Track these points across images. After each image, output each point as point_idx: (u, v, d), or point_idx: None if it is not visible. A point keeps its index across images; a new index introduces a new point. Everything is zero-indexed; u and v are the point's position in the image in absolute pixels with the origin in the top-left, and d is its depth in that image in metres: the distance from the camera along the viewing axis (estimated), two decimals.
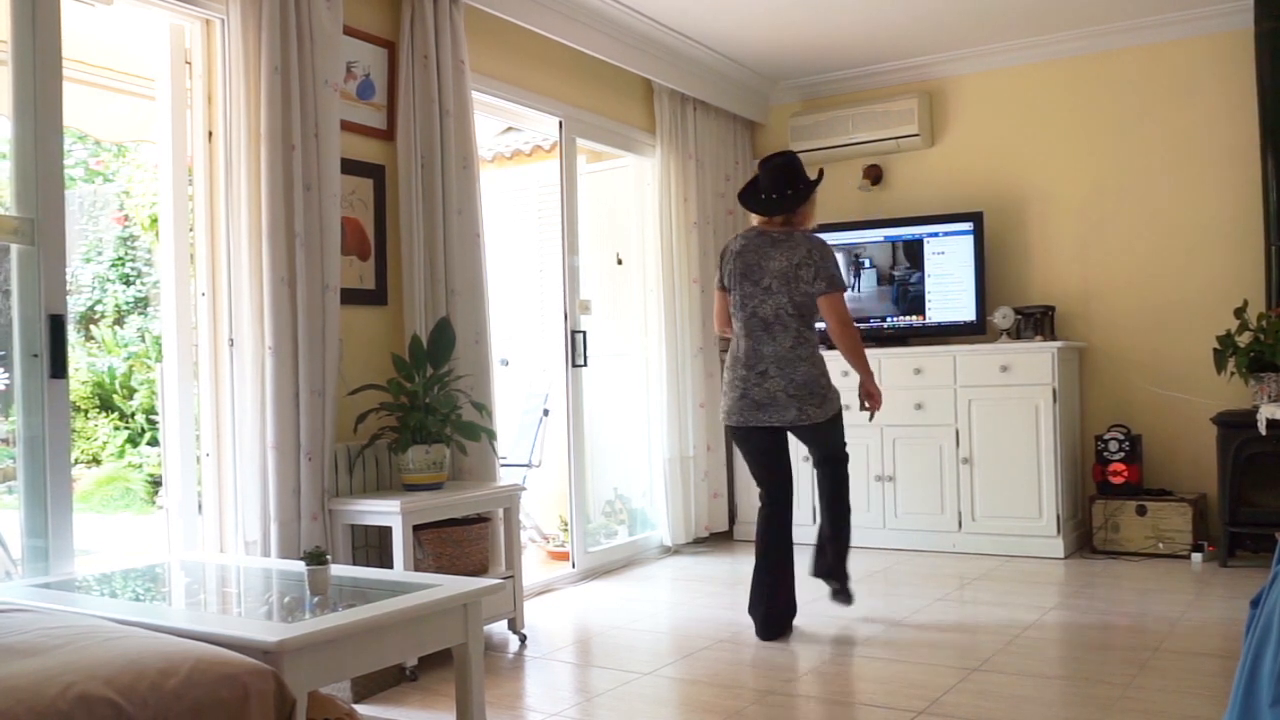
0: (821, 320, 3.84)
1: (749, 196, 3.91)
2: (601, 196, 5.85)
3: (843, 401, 3.97)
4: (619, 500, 5.71)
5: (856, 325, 3.93)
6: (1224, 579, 4.56)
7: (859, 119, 5.84)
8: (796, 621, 3.96)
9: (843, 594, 4.02)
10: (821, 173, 4.00)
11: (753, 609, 3.85)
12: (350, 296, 3.76)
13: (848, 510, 4.01)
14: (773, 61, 5.83)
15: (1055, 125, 5.58)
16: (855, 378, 3.99)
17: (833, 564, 4.01)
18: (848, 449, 4.02)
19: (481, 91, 4.38)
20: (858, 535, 5.42)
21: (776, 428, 3.82)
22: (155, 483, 6.89)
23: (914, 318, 5.58)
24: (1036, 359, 5.11)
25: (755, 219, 3.91)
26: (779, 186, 3.82)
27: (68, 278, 3.05)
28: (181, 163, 3.50)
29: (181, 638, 2.06)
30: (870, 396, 3.94)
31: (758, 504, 3.94)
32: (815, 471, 4.04)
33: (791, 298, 3.73)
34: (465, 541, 3.67)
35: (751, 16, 5.11)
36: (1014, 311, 5.32)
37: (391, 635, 2.42)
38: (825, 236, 5.73)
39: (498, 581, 2.85)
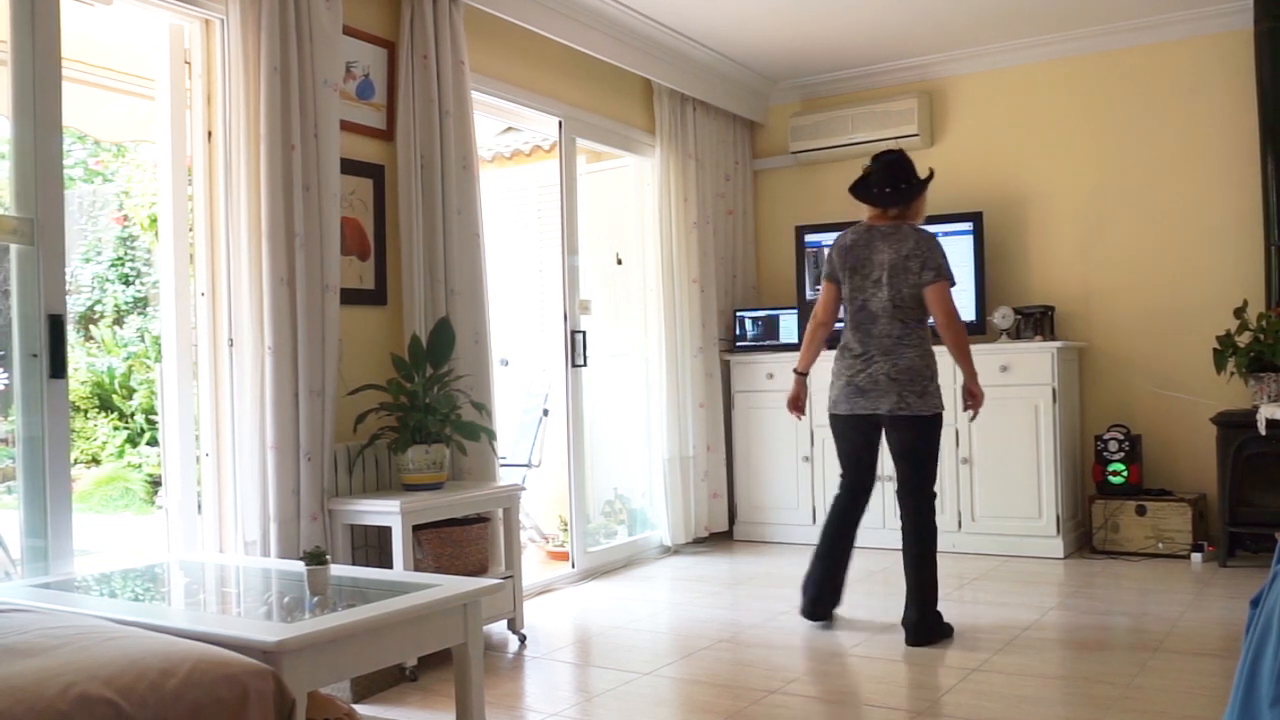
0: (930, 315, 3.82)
1: (862, 190, 3.89)
2: (601, 196, 5.85)
3: (945, 403, 3.82)
4: (619, 500, 5.71)
5: (963, 320, 3.85)
6: (1224, 579, 4.56)
7: (859, 119, 5.84)
8: (799, 622, 3.97)
9: (923, 640, 3.69)
10: (931, 172, 3.98)
11: (805, 588, 3.94)
12: (350, 296, 3.75)
13: (932, 560, 3.76)
14: (773, 61, 5.82)
15: (1055, 125, 5.57)
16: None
17: (917, 620, 3.70)
18: (936, 489, 3.80)
19: (481, 91, 4.38)
20: (858, 536, 5.43)
21: (874, 423, 3.79)
22: (155, 483, 6.89)
23: None
24: (1036, 359, 5.11)
25: (866, 214, 3.91)
26: (893, 180, 3.83)
27: (67, 278, 3.05)
28: (181, 163, 3.50)
29: (181, 638, 2.05)
30: (973, 396, 3.85)
31: (832, 494, 4.02)
32: (900, 513, 3.82)
33: (900, 290, 3.74)
34: (465, 541, 3.67)
35: (751, 16, 5.11)
36: (1014, 311, 5.31)
37: (391, 635, 2.42)
38: (824, 236, 5.77)
39: (497, 581, 2.85)
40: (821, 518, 5.53)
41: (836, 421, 3.90)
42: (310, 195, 3.47)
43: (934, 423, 3.77)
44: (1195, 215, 5.27)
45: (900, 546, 3.82)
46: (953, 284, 3.78)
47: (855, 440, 3.86)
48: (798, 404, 4.03)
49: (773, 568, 5.08)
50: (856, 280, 3.81)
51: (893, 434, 3.79)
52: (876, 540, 5.43)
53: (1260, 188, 4.97)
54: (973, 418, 3.97)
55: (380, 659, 2.44)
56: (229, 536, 3.43)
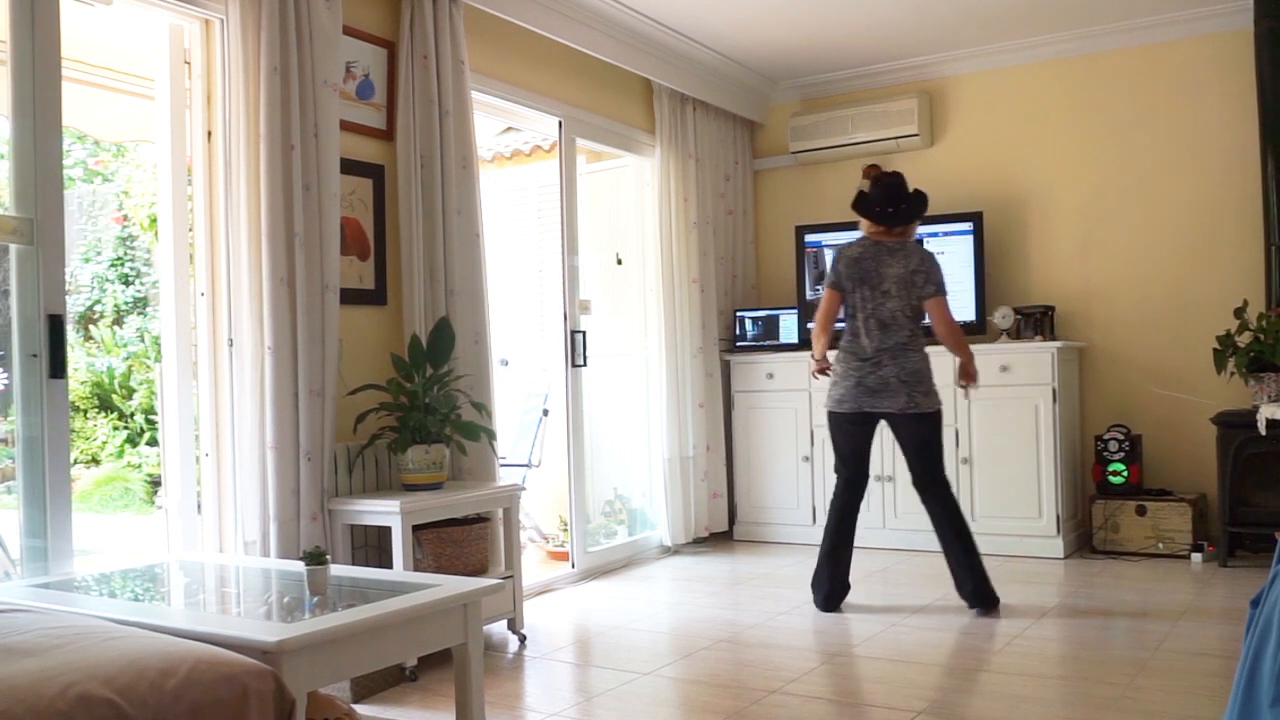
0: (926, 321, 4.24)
1: (865, 208, 4.20)
2: (601, 196, 5.85)
3: (941, 386, 4.22)
4: (619, 500, 5.71)
5: (958, 323, 4.29)
6: (1224, 579, 4.56)
7: (859, 119, 5.84)
8: (800, 622, 3.99)
9: (992, 604, 4.14)
10: (926, 195, 4.25)
11: (816, 584, 4.22)
12: (350, 296, 3.75)
13: (969, 531, 4.16)
14: (773, 61, 5.82)
15: (1055, 125, 5.58)
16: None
17: (977, 586, 4.12)
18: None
19: (481, 91, 4.38)
20: (858, 535, 5.44)
21: (875, 419, 4.14)
22: (154, 483, 6.89)
23: None
24: (1036, 359, 5.11)
25: (865, 228, 4.22)
26: (895, 201, 4.16)
27: (67, 278, 3.05)
28: (181, 163, 3.50)
29: (181, 638, 2.05)
30: (969, 375, 4.24)
31: (830, 495, 4.30)
32: (925, 503, 4.19)
33: (909, 301, 4.11)
34: (465, 541, 3.67)
35: (751, 16, 5.11)
36: (1014, 311, 5.31)
37: (391, 635, 2.42)
38: (824, 236, 5.78)
39: (497, 581, 2.85)
40: (822, 518, 5.58)
41: (840, 419, 4.21)
42: (310, 195, 3.47)
43: (938, 418, 4.19)
44: (1195, 215, 5.27)
45: (934, 531, 4.18)
46: (948, 294, 4.18)
47: (858, 435, 4.20)
48: (824, 368, 4.30)
49: (773, 568, 5.08)
50: (865, 291, 4.14)
51: (904, 431, 4.14)
52: (877, 540, 5.43)
53: (1260, 188, 4.97)
54: (966, 394, 4.50)
55: (380, 659, 2.44)
56: (229, 536, 3.43)
